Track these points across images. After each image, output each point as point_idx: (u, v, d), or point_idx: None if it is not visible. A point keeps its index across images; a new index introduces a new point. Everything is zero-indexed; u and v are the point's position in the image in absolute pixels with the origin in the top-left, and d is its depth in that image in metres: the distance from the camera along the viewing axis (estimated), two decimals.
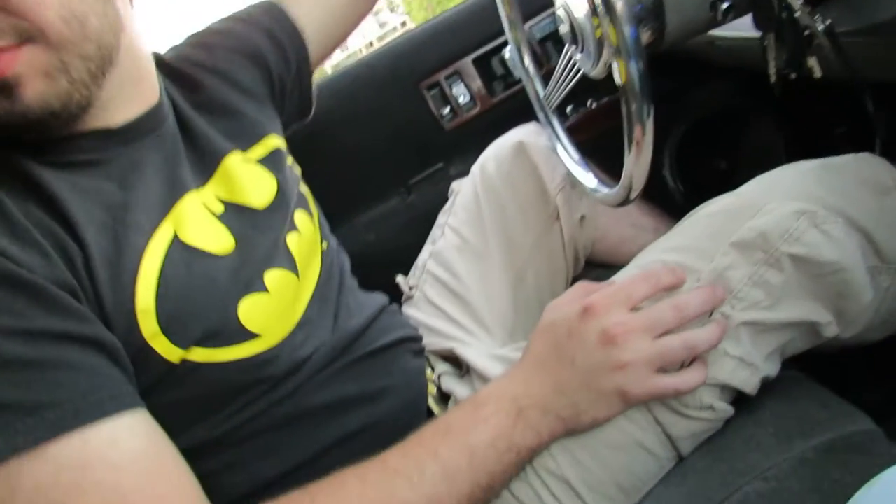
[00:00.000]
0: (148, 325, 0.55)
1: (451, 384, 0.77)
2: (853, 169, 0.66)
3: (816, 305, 0.60)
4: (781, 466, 0.54)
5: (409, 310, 0.92)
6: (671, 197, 1.29)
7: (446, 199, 1.02)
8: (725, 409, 0.61)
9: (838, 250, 0.58)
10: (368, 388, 0.70)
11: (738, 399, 0.62)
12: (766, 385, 0.62)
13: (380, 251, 1.17)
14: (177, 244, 0.59)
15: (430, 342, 0.84)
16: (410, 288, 0.96)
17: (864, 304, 0.60)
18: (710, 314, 0.60)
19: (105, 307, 0.53)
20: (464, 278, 0.91)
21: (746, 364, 0.60)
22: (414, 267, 0.98)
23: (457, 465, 0.55)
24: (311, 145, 1.01)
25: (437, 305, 0.90)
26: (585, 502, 0.61)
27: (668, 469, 0.62)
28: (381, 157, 1.20)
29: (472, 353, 0.76)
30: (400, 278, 0.98)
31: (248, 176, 0.69)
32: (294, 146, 0.84)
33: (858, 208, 0.61)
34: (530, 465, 0.62)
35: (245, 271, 0.63)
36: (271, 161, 0.75)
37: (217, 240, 0.62)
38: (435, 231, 1.00)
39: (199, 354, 0.58)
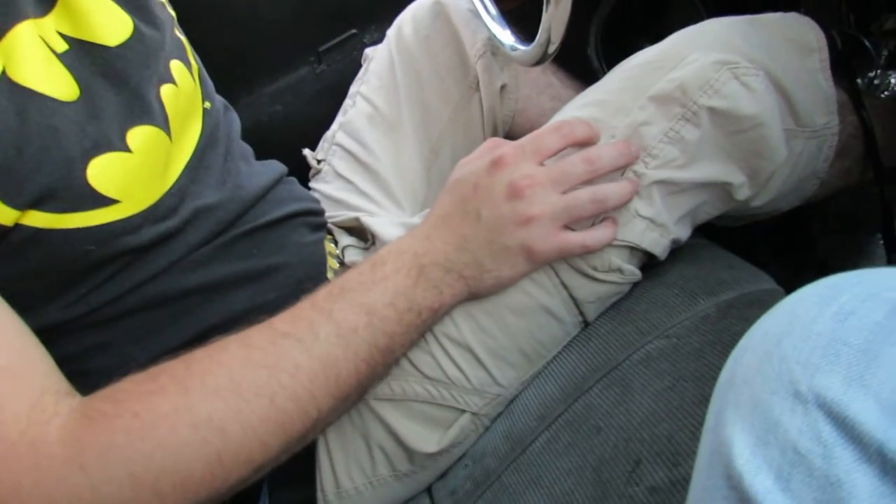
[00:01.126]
0: None
1: (356, 256, 0.73)
2: (780, 26, 0.63)
3: (731, 165, 0.58)
4: (684, 324, 0.53)
5: (316, 185, 0.86)
6: (594, 78, 1.24)
7: (360, 69, 0.95)
8: (633, 272, 0.59)
9: (758, 104, 0.55)
10: (257, 265, 0.63)
11: (646, 266, 0.61)
12: (675, 250, 0.61)
13: (288, 124, 1.08)
14: (5, 81, 0.48)
15: (335, 215, 0.78)
16: (319, 162, 0.90)
17: (777, 163, 0.58)
18: (623, 173, 0.57)
19: None
20: (374, 149, 0.85)
21: (657, 225, 0.58)
22: (322, 140, 0.92)
23: (353, 325, 0.51)
24: (208, 6, 0.91)
25: (346, 178, 0.84)
26: (487, 369, 0.59)
27: (573, 335, 0.61)
28: (289, 21, 1.10)
29: (379, 223, 0.72)
30: (307, 152, 0.91)
31: (99, 8, 0.57)
32: (188, 4, 0.74)
33: (781, 66, 0.59)
34: (431, 333, 0.59)
35: (96, 126, 0.52)
36: None
37: (57, 83, 0.52)
38: (346, 102, 0.93)
39: (40, 219, 0.48)
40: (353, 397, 0.53)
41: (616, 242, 0.57)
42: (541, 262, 0.57)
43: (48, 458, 0.40)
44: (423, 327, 0.56)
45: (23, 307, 0.46)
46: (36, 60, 0.51)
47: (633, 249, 0.58)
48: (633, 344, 0.54)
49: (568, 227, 0.56)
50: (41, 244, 0.49)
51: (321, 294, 0.53)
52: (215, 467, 0.43)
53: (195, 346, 0.50)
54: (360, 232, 0.76)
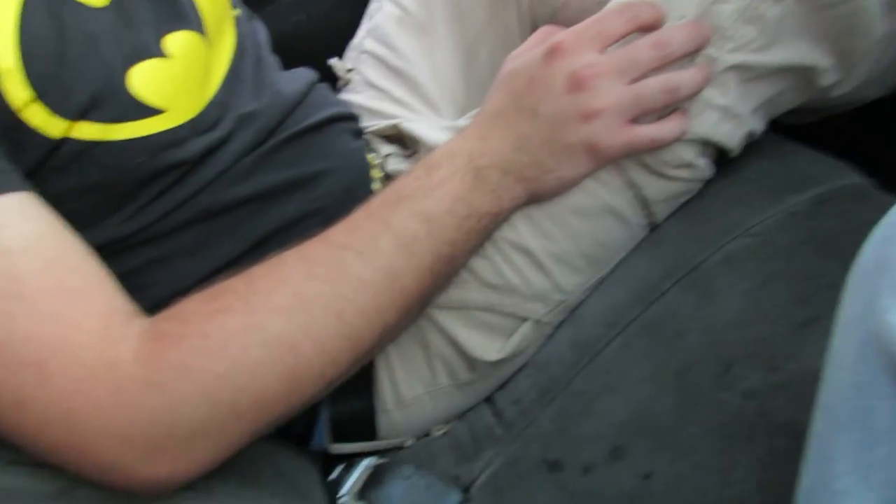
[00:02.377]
0: (16, 89, 0.43)
1: (399, 164, 0.69)
2: None
3: (817, 46, 0.53)
4: (768, 222, 0.50)
5: (347, 96, 0.81)
6: None
7: None
8: (705, 168, 0.55)
9: None
10: (302, 172, 0.60)
11: (718, 162, 0.57)
12: (748, 145, 0.57)
13: (312, 34, 1.03)
14: None
15: (371, 124, 0.74)
16: (348, 71, 0.85)
17: (872, 41, 0.53)
18: (693, 59, 0.52)
19: None
20: (406, 53, 0.80)
21: (731, 116, 0.53)
22: (349, 48, 0.87)
23: (413, 234, 0.48)
24: None
25: (378, 86, 0.79)
26: (549, 274, 0.56)
27: (639, 238, 0.58)
28: None
29: (421, 127, 0.67)
30: (335, 62, 0.86)
31: None
32: None
33: None
34: (490, 239, 0.56)
35: (131, 32, 0.50)
36: None
37: None
38: (372, 6, 0.87)
39: (89, 131, 0.47)
40: (417, 309, 0.51)
41: (687, 136, 0.53)
42: (606, 160, 0.53)
43: (127, 379, 0.39)
44: (484, 234, 0.53)
45: (79, 225, 0.44)
46: None
47: (706, 143, 0.54)
48: (711, 244, 0.50)
49: (634, 120, 0.52)
50: (92, 158, 0.47)
51: (376, 202, 0.51)
52: (289, 384, 0.42)
53: (250, 258, 0.49)
54: (400, 140, 0.72)
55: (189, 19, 0.55)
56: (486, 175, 0.51)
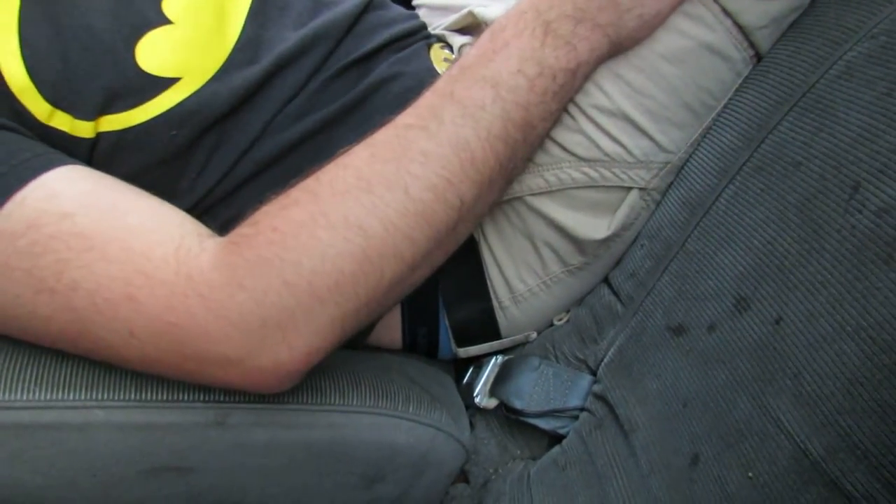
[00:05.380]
0: (36, 104, 0.45)
1: None
2: None
3: None
4: (893, 17, 0.42)
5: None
6: None
7: None
8: None
9: None
10: (357, 96, 0.57)
11: None
12: None
13: None
14: None
15: (445, 20, 0.71)
16: None
17: None
18: None
19: None
20: None
21: None
22: None
23: (478, 101, 0.45)
24: None
25: None
26: (649, 135, 0.52)
27: (745, 74, 0.51)
28: None
29: (494, 10, 0.63)
30: None
31: None
32: None
33: None
34: (577, 108, 0.52)
35: (127, 8, 0.50)
36: None
37: None
38: None
39: (115, 122, 0.48)
40: (499, 183, 0.48)
41: None
42: None
43: (207, 285, 0.41)
44: (563, 94, 0.48)
45: None
46: None
47: None
48: (825, 58, 0.44)
49: None
50: (129, 145, 0.48)
51: (441, 79, 0.48)
52: (364, 265, 0.42)
53: None
54: (477, 30, 0.68)
55: None
56: (556, 27, 0.46)
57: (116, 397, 0.44)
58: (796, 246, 0.40)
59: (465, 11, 0.66)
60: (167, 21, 0.51)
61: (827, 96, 0.43)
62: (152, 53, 0.49)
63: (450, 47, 0.67)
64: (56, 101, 0.46)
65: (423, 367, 0.62)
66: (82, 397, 0.43)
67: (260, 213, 0.44)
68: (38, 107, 0.46)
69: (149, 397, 0.45)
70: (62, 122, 0.46)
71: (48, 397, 0.42)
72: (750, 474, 0.38)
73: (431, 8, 0.75)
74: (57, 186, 0.41)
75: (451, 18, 0.69)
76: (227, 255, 0.42)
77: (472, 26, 0.68)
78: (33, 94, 0.45)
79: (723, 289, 0.44)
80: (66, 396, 0.43)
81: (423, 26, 0.68)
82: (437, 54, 0.64)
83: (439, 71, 0.61)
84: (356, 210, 0.42)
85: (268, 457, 0.49)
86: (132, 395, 0.45)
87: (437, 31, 0.69)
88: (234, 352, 0.41)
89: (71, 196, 0.41)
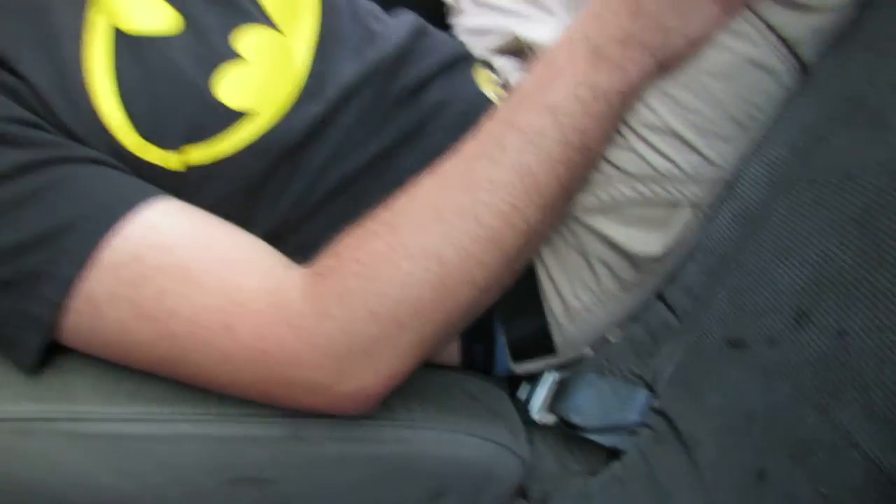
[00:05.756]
0: (130, 139, 0.48)
1: (520, 74, 0.66)
2: None
3: None
4: None
5: (457, 20, 0.80)
6: None
7: None
8: None
9: None
10: (417, 121, 0.59)
11: None
12: None
13: None
14: (120, 38, 0.49)
15: (486, 43, 0.72)
16: None
17: None
18: None
19: (79, 137, 0.47)
20: None
21: None
22: None
23: (538, 128, 0.47)
24: None
25: (485, 2, 0.77)
26: (698, 150, 0.53)
27: (789, 86, 0.52)
28: None
29: (536, 30, 0.65)
30: None
31: None
32: None
33: None
34: (626, 126, 0.53)
35: (205, 46, 0.52)
36: None
37: (162, 17, 0.52)
38: None
39: (200, 154, 0.50)
40: (560, 205, 0.50)
41: None
42: (734, 6, 0.48)
43: (298, 314, 0.44)
44: (616, 116, 0.50)
45: None
46: (137, 4, 0.51)
47: None
48: (876, 70, 0.44)
49: None
50: (215, 177, 0.51)
51: (501, 107, 0.50)
52: (441, 291, 0.45)
53: None
54: (521, 53, 0.69)
55: (249, 13, 0.55)
56: (606, 52, 0.48)
57: (201, 411, 0.47)
58: (856, 258, 0.40)
59: (509, 35, 0.67)
60: (237, 56, 0.53)
61: (880, 104, 0.43)
62: (228, 87, 0.51)
63: (492, 68, 0.69)
64: (147, 135, 0.49)
65: (481, 383, 0.63)
66: (171, 411, 0.47)
67: (341, 245, 0.46)
68: (133, 140, 0.48)
69: (230, 411, 0.48)
70: (153, 154, 0.49)
71: (141, 410, 0.46)
72: (823, 490, 0.38)
73: (470, 32, 0.76)
74: (156, 220, 0.45)
75: (492, 40, 0.70)
76: (315, 287, 0.44)
77: (513, 48, 0.69)
78: (128, 129, 0.48)
79: (781, 302, 0.45)
80: (156, 410, 0.46)
81: (466, 49, 0.69)
82: (482, 76, 0.66)
83: (486, 93, 0.63)
84: (432, 239, 0.45)
85: (339, 470, 0.51)
86: (214, 409, 0.48)
87: (478, 53, 0.70)
88: (323, 378, 0.44)
89: (170, 229, 0.45)
